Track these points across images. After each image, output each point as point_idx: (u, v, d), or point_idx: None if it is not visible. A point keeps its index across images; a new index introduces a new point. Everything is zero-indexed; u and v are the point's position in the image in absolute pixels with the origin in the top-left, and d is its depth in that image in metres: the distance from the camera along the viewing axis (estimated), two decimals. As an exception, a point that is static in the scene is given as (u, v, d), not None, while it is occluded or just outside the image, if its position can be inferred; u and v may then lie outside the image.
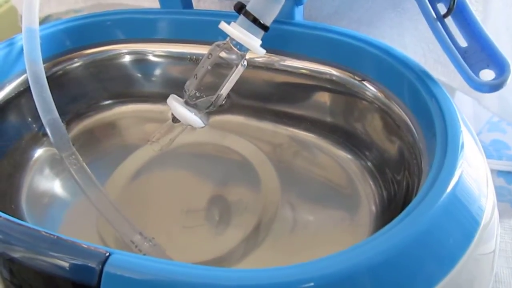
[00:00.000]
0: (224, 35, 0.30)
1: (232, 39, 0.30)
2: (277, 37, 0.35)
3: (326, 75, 0.36)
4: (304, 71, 0.36)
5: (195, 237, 0.32)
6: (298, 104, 0.39)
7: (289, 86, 0.38)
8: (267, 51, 0.32)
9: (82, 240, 0.20)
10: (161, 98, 0.39)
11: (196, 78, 0.32)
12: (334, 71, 0.35)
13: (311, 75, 0.36)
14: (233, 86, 0.32)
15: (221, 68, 0.32)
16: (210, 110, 0.32)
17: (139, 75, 0.42)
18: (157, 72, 0.42)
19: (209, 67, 0.31)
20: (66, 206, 0.35)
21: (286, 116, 0.40)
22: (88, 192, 0.31)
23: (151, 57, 0.41)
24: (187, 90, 0.32)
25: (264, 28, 0.30)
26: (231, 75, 0.31)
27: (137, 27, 0.40)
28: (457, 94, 0.41)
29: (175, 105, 0.32)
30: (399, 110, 0.30)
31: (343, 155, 0.37)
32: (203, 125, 0.32)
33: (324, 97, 0.37)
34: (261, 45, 0.31)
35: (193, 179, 0.37)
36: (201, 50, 0.39)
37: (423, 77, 0.28)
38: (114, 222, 0.30)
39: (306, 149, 0.38)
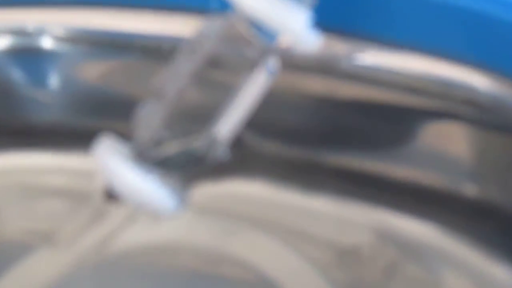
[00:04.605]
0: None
1: (242, 15, 0.30)
2: (349, 4, 0.35)
3: (462, 90, 0.35)
4: (410, 80, 0.36)
5: None
6: (393, 152, 0.39)
7: (373, 111, 0.38)
8: (327, 36, 0.32)
9: None
10: (76, 139, 0.40)
11: (163, 98, 0.31)
12: (481, 82, 0.35)
13: (427, 90, 0.36)
14: (251, 116, 0.32)
15: (220, 70, 0.32)
16: (194, 174, 0.32)
17: (22, 82, 0.42)
18: (64, 77, 0.42)
19: (184, 82, 0.31)
20: None
21: (366, 179, 0.40)
22: None
23: (48, 42, 0.41)
24: (141, 127, 0.31)
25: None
26: (244, 92, 0.31)
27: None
28: None
29: (112, 161, 0.31)
30: None
31: (505, 275, 0.37)
32: (176, 209, 0.31)
33: (456, 138, 0.37)
34: (312, 25, 0.30)
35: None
36: (169, 28, 0.39)
37: None
38: None
39: (417, 258, 0.38)
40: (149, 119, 0.32)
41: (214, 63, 0.31)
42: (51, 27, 0.41)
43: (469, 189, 0.38)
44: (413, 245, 0.39)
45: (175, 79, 0.32)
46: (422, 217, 0.40)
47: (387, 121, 0.39)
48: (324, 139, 0.40)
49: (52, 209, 0.42)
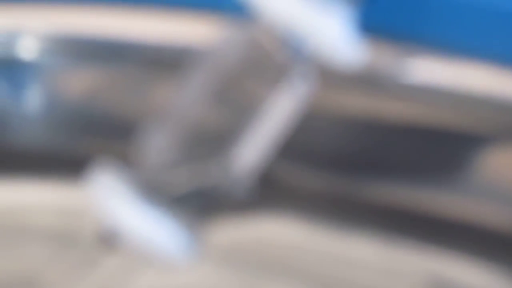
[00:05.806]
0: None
1: (266, 21, 0.31)
2: (395, 6, 0.35)
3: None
4: (469, 99, 0.36)
5: None
6: (449, 184, 0.38)
7: (424, 135, 0.38)
8: (370, 46, 0.32)
9: None
10: (62, 169, 0.40)
11: (174, 119, 0.32)
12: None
13: (489, 109, 0.36)
14: (279, 143, 0.32)
15: (242, 88, 0.32)
16: (213, 213, 0.33)
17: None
18: (45, 93, 0.41)
19: (200, 101, 0.32)
20: None
21: (416, 218, 0.38)
22: None
23: (24, 51, 0.41)
24: (147, 152, 0.32)
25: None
26: (269, 113, 0.31)
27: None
28: None
29: (110, 195, 0.32)
30: None
31: None
32: (190, 255, 0.32)
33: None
34: (351, 30, 0.31)
35: None
36: (173, 32, 0.39)
37: None
38: None
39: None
40: (157, 143, 0.32)
41: (234, 79, 0.31)
42: (27, 31, 0.40)
43: None
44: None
45: (189, 97, 0.32)
46: (486, 265, 0.38)
47: (441, 147, 0.38)
48: (367, 169, 0.40)
49: (34, 253, 0.41)
